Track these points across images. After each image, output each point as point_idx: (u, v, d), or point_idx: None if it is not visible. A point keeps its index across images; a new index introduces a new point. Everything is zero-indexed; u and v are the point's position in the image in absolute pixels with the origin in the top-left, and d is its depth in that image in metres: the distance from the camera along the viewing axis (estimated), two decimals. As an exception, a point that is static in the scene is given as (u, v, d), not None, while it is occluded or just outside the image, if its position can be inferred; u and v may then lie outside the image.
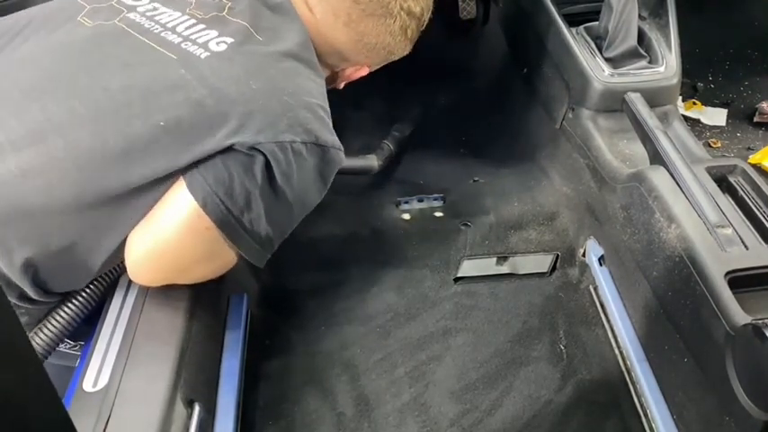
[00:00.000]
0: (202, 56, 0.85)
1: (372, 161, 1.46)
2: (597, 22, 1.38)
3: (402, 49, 1.06)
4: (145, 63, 0.85)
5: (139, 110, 0.81)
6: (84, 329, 0.90)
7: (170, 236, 0.84)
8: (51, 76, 0.85)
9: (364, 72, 1.08)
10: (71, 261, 0.85)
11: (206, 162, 0.82)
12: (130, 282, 0.92)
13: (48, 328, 0.86)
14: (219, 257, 0.91)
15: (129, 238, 0.85)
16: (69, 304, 0.88)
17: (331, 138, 0.89)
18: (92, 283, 0.89)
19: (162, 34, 0.88)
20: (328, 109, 0.92)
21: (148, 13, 0.92)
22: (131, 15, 0.91)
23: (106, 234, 0.85)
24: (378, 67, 1.10)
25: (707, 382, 0.92)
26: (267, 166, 0.83)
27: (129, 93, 0.82)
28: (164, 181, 0.83)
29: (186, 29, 0.90)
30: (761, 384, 0.80)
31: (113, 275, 0.92)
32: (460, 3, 1.89)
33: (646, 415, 1.07)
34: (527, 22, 1.60)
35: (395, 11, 0.99)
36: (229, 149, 0.81)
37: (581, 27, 1.42)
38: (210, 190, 0.81)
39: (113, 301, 0.91)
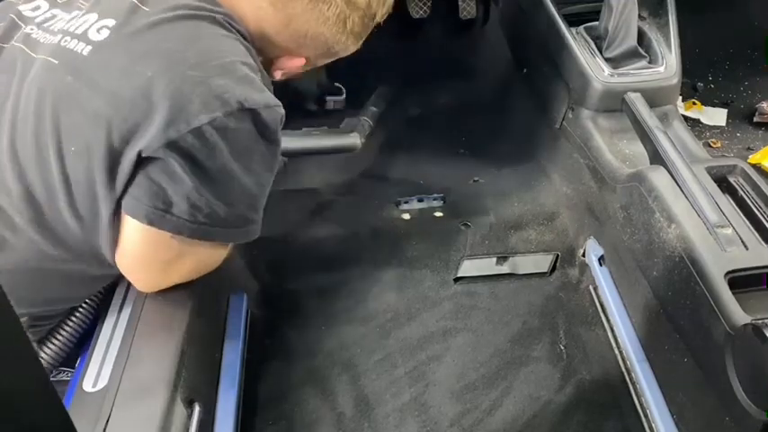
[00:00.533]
0: (84, 51, 0.76)
1: (355, 138, 1.44)
2: (597, 22, 1.38)
3: (342, 42, 0.91)
4: (34, 82, 0.76)
5: (46, 139, 0.75)
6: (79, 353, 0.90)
7: (143, 252, 0.82)
8: None
9: (299, 63, 0.93)
10: (61, 298, 0.85)
11: (131, 181, 0.75)
12: (129, 284, 0.92)
13: (51, 344, 0.86)
14: (205, 248, 0.87)
15: (115, 259, 0.83)
16: (68, 321, 0.88)
17: (261, 96, 0.77)
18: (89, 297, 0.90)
19: (48, 41, 0.80)
20: (252, 63, 0.80)
21: (45, 24, 0.83)
22: (29, 31, 0.82)
23: (98, 270, 0.84)
24: (323, 62, 0.97)
25: (707, 382, 0.92)
26: (190, 159, 0.74)
27: (29, 122, 0.75)
28: (114, 217, 0.78)
29: (68, 21, 0.80)
30: (761, 384, 0.80)
31: (111, 284, 0.92)
32: (460, 3, 1.89)
33: (646, 415, 1.07)
34: (527, 22, 1.60)
35: None
36: (142, 159, 0.74)
37: (581, 27, 1.42)
38: (149, 208, 0.76)
39: (113, 302, 0.91)
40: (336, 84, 1.67)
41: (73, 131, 0.74)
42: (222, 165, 0.77)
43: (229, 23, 0.81)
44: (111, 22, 0.77)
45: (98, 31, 0.77)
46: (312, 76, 1.56)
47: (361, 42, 0.94)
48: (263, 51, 0.89)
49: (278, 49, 0.90)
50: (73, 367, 0.89)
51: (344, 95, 1.67)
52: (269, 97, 0.79)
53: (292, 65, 0.93)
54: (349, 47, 0.93)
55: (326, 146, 1.38)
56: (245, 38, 0.83)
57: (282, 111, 0.81)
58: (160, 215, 0.76)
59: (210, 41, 0.78)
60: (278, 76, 0.95)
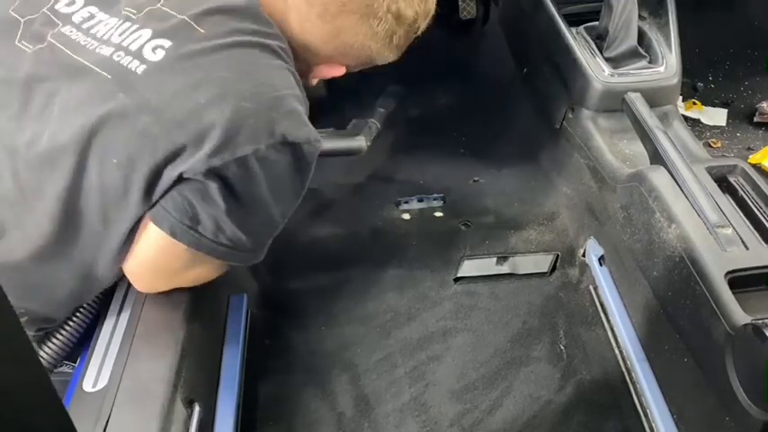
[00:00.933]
0: (139, 70, 0.76)
1: (361, 141, 1.41)
2: (597, 22, 1.38)
3: (385, 56, 0.94)
4: (82, 93, 0.77)
5: (89, 150, 0.75)
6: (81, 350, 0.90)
7: (156, 259, 0.83)
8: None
9: (339, 72, 0.95)
10: (73, 303, 0.86)
11: (165, 195, 0.77)
12: (130, 284, 0.92)
13: (51, 343, 0.86)
14: (213, 261, 0.89)
15: (124, 264, 0.84)
16: (69, 321, 0.88)
17: (303, 132, 0.79)
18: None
19: (97, 50, 0.79)
20: (299, 94, 0.82)
21: (85, 25, 0.82)
22: (66, 30, 0.82)
23: (107, 278, 0.85)
24: (359, 69, 0.98)
25: (707, 382, 0.92)
26: (227, 185, 0.76)
27: (75, 133, 0.75)
28: (138, 224, 0.79)
29: (120, 34, 0.80)
30: (761, 384, 0.80)
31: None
32: (460, 3, 1.89)
33: (646, 415, 1.07)
34: (527, 22, 1.60)
35: (380, 12, 0.86)
36: (182, 178, 0.75)
37: (581, 27, 1.42)
38: (176, 220, 0.77)
39: (113, 302, 0.91)
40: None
41: (117, 145, 0.74)
42: (256, 194, 0.79)
43: (282, 50, 0.83)
44: (166, 43, 0.77)
45: (153, 50, 0.77)
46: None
47: (401, 54, 0.96)
48: (305, 60, 0.90)
49: (320, 57, 0.91)
50: (74, 362, 0.89)
51: None
52: (311, 132, 0.81)
53: (331, 73, 0.94)
54: (389, 58, 0.96)
55: (332, 149, 1.37)
56: (293, 58, 0.85)
57: (321, 146, 0.83)
58: (184, 229, 0.78)
59: (264, 73, 0.79)
60: (314, 82, 0.97)
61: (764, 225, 0.99)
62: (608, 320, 1.22)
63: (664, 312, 1.03)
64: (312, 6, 0.86)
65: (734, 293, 0.87)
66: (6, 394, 0.37)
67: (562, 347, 1.20)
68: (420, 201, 1.50)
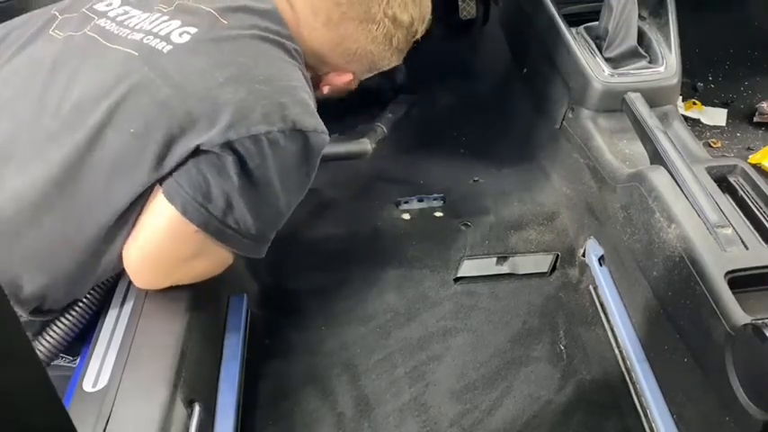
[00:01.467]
0: (165, 50, 0.82)
1: (366, 145, 1.42)
2: (597, 22, 1.38)
3: (387, 59, 1.00)
4: (110, 69, 0.82)
5: (109, 119, 0.79)
6: (80, 345, 0.90)
7: (161, 244, 0.84)
8: (23, 95, 0.83)
9: (347, 78, 1.01)
10: (62, 282, 0.85)
11: (180, 167, 0.80)
12: (130, 283, 0.92)
13: (49, 336, 0.86)
14: (216, 253, 0.90)
15: (123, 250, 0.85)
16: (70, 312, 0.88)
17: (312, 121, 0.84)
18: (90, 291, 0.90)
19: (129, 36, 0.85)
20: (309, 90, 0.87)
21: (119, 18, 0.89)
22: (101, 23, 0.88)
23: (99, 255, 0.84)
24: (366, 76, 1.05)
25: (707, 382, 0.92)
26: (241, 162, 0.80)
27: (98, 102, 0.79)
28: (144, 195, 0.82)
29: (150, 23, 0.86)
30: (761, 384, 0.80)
31: (112, 281, 0.92)
32: (460, 3, 1.89)
33: (646, 415, 1.07)
34: (527, 22, 1.60)
35: (378, 16, 0.93)
36: (200, 151, 0.79)
37: (581, 27, 1.42)
38: (188, 196, 0.79)
39: (113, 302, 0.91)
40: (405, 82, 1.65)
41: (136, 114, 0.79)
42: (267, 176, 0.82)
43: (296, 52, 0.89)
44: (193, 30, 0.84)
45: (180, 35, 0.83)
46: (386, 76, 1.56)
47: (402, 57, 1.03)
48: (315, 68, 0.98)
49: (328, 65, 0.98)
50: (71, 356, 0.89)
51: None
52: (319, 123, 0.86)
53: (340, 80, 1.01)
54: (392, 62, 1.02)
55: (337, 152, 1.37)
56: (305, 65, 0.92)
57: (328, 139, 0.88)
58: (196, 207, 0.80)
59: (279, 65, 0.85)
60: (325, 91, 1.03)
61: (764, 225, 0.99)
62: (608, 320, 1.22)
63: (664, 312, 1.03)
64: (317, 16, 0.92)
65: (734, 293, 0.87)
66: (6, 394, 0.37)
67: (562, 347, 1.20)
68: (420, 201, 1.50)
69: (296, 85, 0.84)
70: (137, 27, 0.87)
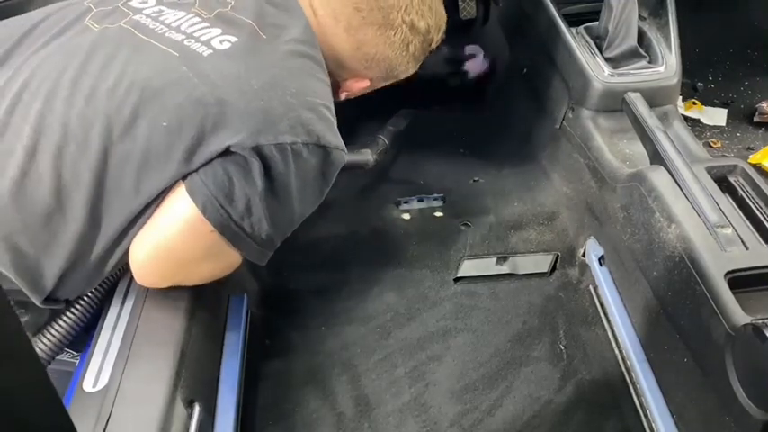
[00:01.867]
0: (205, 53, 0.84)
1: (367, 155, 1.43)
2: (597, 22, 1.38)
3: (404, 65, 1.03)
4: (147, 61, 0.83)
5: (143, 109, 0.80)
6: (84, 338, 0.90)
7: (173, 241, 0.84)
8: (58, 79, 0.83)
9: (364, 84, 1.05)
10: (81, 269, 0.84)
11: (206, 165, 0.80)
12: (130, 282, 0.92)
13: (50, 334, 0.86)
14: (224, 257, 0.91)
15: (132, 243, 0.85)
16: (71, 310, 0.88)
17: (334, 139, 0.87)
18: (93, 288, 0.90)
19: (167, 34, 0.87)
20: (333, 109, 0.90)
21: (154, 15, 0.91)
22: (137, 17, 0.90)
23: (117, 244, 0.85)
24: (382, 84, 1.08)
25: (707, 382, 0.92)
26: (266, 168, 0.82)
27: (133, 91, 0.81)
28: (167, 190, 0.82)
29: (190, 26, 0.88)
30: (761, 384, 0.80)
31: (114, 279, 0.92)
32: (460, 3, 1.88)
33: (646, 415, 1.07)
34: (527, 22, 1.60)
35: (396, 23, 0.97)
36: (228, 152, 0.80)
37: (581, 27, 1.42)
38: (211, 195, 0.80)
39: (113, 301, 0.91)
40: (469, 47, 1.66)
41: (171, 109, 0.80)
42: (287, 185, 0.84)
43: (323, 63, 0.93)
44: (233, 39, 0.87)
45: (221, 42, 0.86)
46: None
47: (418, 65, 1.06)
48: (335, 75, 1.00)
49: (347, 71, 1.02)
50: (74, 351, 0.90)
51: (483, 56, 1.67)
52: (340, 142, 0.89)
53: (357, 86, 1.05)
54: (409, 69, 1.05)
55: None
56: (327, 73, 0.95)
57: (346, 158, 0.91)
58: (216, 207, 0.81)
59: (309, 81, 0.89)
60: (342, 97, 1.06)
61: (764, 225, 0.99)
62: (608, 320, 1.22)
63: (664, 312, 1.03)
64: (338, 21, 0.96)
65: (734, 293, 0.88)
66: (6, 394, 0.37)
67: (562, 347, 1.20)
68: (420, 201, 1.50)
69: (322, 102, 0.88)
70: (174, 25, 0.88)
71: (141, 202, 0.82)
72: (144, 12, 0.91)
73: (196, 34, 0.87)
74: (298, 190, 0.86)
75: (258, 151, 0.80)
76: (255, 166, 0.81)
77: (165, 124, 0.80)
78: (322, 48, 0.95)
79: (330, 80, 0.96)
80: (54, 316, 0.88)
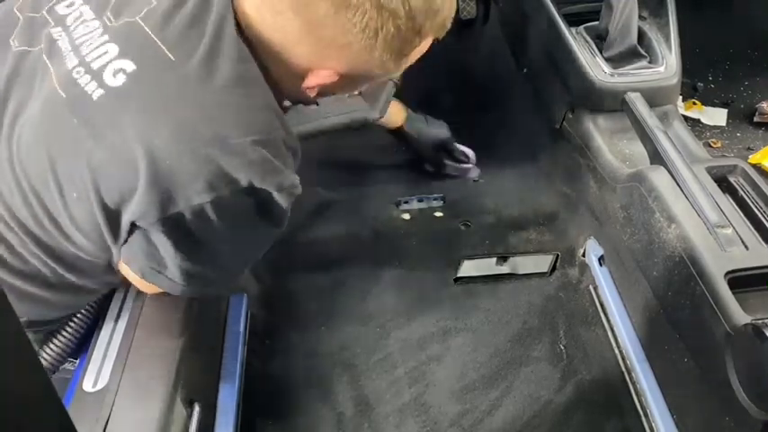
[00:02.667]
0: (95, 95, 0.70)
1: (375, 112, 1.27)
2: (597, 22, 1.38)
3: (377, 59, 0.75)
4: (45, 117, 0.72)
5: (53, 179, 0.71)
6: (82, 346, 0.90)
7: (142, 286, 0.85)
8: None
9: (326, 73, 0.77)
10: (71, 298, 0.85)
11: (131, 235, 0.74)
12: (130, 284, 0.92)
13: (53, 344, 0.86)
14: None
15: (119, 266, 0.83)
16: (71, 321, 0.88)
17: (275, 180, 0.72)
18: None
19: (66, 59, 0.74)
20: (278, 135, 0.74)
21: (72, 27, 0.77)
22: (55, 32, 0.77)
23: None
24: (362, 84, 0.87)
25: (707, 382, 0.92)
26: (184, 232, 0.72)
27: (38, 158, 0.72)
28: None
29: (88, 43, 0.74)
30: (761, 384, 0.80)
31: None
32: (460, 3, 1.88)
33: (646, 415, 1.07)
34: (527, 22, 1.60)
35: (354, 1, 0.70)
36: (138, 226, 0.72)
37: (581, 27, 1.42)
38: (145, 264, 0.76)
39: (113, 302, 0.91)
40: (462, 148, 1.54)
41: (75, 178, 0.70)
42: (221, 238, 0.75)
43: (258, 76, 0.74)
44: (129, 66, 0.70)
45: (114, 74, 0.70)
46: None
47: (405, 61, 0.79)
48: (287, 75, 0.78)
49: (299, 65, 0.77)
50: (75, 359, 0.89)
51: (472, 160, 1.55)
52: (285, 179, 0.73)
53: (320, 78, 0.78)
54: (387, 64, 0.77)
55: (343, 122, 1.26)
56: (275, 77, 0.77)
57: (299, 191, 0.76)
58: (154, 273, 0.77)
59: (233, 115, 0.71)
60: (313, 93, 0.83)
61: (764, 225, 0.99)
62: (608, 320, 1.22)
63: (664, 312, 1.03)
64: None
65: (734, 293, 0.88)
66: (6, 394, 0.37)
67: (562, 347, 1.20)
68: (420, 201, 1.50)
69: (256, 140, 0.70)
70: (78, 42, 0.74)
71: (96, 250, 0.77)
72: (66, 22, 0.77)
73: (89, 58, 0.72)
74: (240, 235, 0.77)
75: (168, 221, 0.70)
76: (168, 235, 0.72)
77: (75, 195, 0.71)
78: (261, 40, 0.74)
79: (283, 84, 0.78)
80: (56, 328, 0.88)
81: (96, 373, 0.81)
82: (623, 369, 1.15)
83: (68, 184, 0.71)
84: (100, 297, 0.90)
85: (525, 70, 1.68)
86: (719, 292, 0.88)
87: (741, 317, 0.84)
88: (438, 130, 1.50)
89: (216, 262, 0.79)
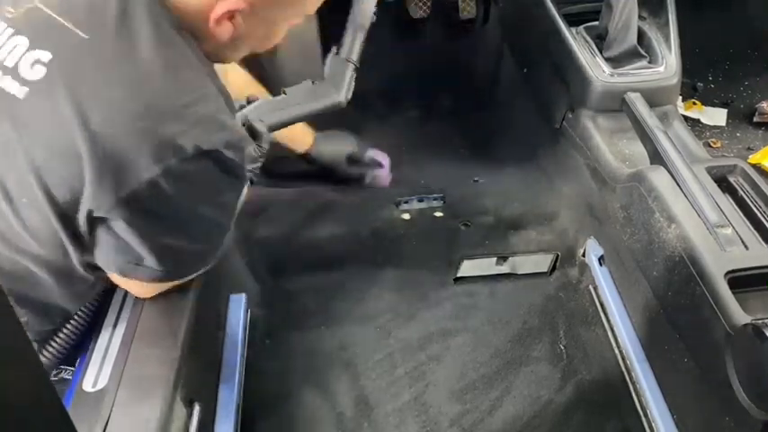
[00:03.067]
0: (20, 94, 0.67)
1: (339, 96, 1.11)
2: (597, 22, 1.38)
3: None
4: None
5: (2, 198, 0.69)
6: (80, 350, 0.90)
7: (128, 287, 0.85)
8: None
9: (239, 4, 0.71)
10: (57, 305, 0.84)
11: (95, 238, 0.72)
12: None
13: (52, 343, 0.86)
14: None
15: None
16: (68, 322, 0.88)
17: (220, 137, 0.70)
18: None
19: None
20: (210, 89, 0.72)
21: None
22: None
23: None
24: (278, 26, 0.79)
25: (707, 382, 0.92)
26: (146, 213, 0.70)
27: None
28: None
29: (2, 44, 0.70)
30: (761, 384, 0.80)
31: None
32: (460, 3, 1.88)
33: (646, 415, 1.07)
34: (527, 22, 1.60)
35: None
36: (98, 219, 0.69)
37: (581, 27, 1.42)
38: (120, 260, 0.74)
39: (113, 302, 0.91)
40: (374, 154, 1.38)
41: (22, 183, 0.68)
42: (185, 209, 0.73)
43: (176, 21, 0.70)
44: (46, 56, 0.68)
45: (31, 66, 0.68)
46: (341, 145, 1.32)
47: None
48: (195, 10, 0.72)
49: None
50: (73, 366, 0.89)
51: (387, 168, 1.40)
52: (232, 134, 0.72)
53: (229, 3, 0.71)
54: None
55: (307, 113, 1.10)
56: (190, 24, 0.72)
57: (246, 147, 0.75)
58: (132, 267, 0.76)
59: (160, 81, 0.69)
60: (226, 35, 0.74)
61: (764, 225, 0.99)
62: (608, 320, 1.22)
63: (664, 312, 1.03)
64: None
65: (734, 293, 0.88)
66: (6, 394, 0.37)
67: (562, 347, 1.20)
68: (420, 201, 1.50)
69: (190, 99, 0.69)
70: None
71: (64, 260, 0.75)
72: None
73: (2, 56, 0.69)
74: (205, 201, 0.75)
75: (125, 204, 0.67)
76: (132, 219, 0.69)
77: (24, 200, 0.69)
78: None
79: (199, 31, 0.73)
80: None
81: (96, 373, 0.81)
82: (623, 369, 1.15)
83: (17, 192, 0.69)
84: (97, 297, 0.90)
85: (525, 70, 1.68)
86: (719, 292, 0.88)
87: (741, 317, 0.84)
88: (342, 145, 1.33)
89: (189, 235, 0.76)
